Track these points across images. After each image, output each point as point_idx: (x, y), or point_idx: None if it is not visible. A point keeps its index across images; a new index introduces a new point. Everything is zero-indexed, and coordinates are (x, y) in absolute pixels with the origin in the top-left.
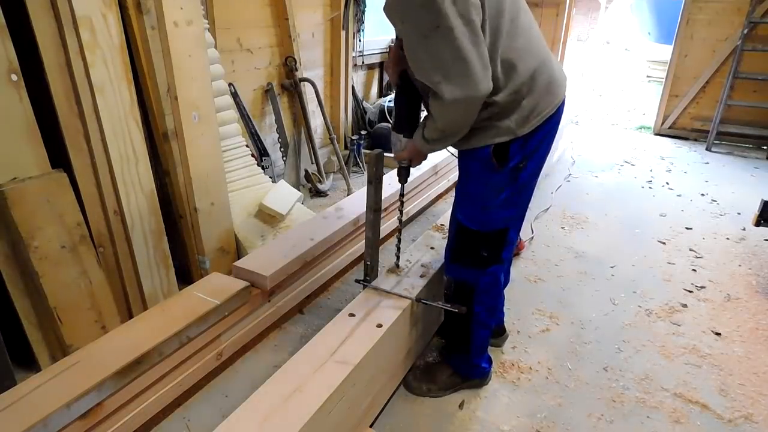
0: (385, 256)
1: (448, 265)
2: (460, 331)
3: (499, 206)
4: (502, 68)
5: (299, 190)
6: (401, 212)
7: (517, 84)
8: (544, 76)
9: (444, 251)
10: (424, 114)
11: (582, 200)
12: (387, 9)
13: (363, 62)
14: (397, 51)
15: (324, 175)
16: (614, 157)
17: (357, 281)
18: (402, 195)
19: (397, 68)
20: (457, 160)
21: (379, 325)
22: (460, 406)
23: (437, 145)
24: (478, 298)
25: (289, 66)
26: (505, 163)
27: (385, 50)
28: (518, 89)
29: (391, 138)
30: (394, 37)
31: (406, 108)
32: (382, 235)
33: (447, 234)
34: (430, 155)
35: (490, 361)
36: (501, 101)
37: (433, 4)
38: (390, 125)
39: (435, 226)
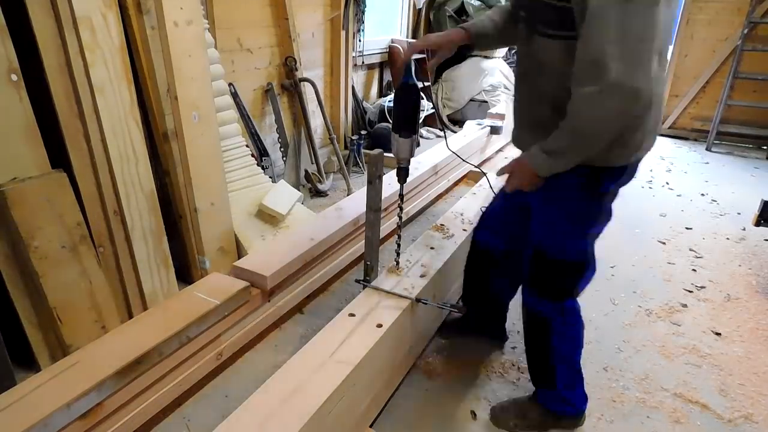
0: (385, 256)
1: (525, 294)
2: (542, 366)
3: (591, 235)
4: None
5: (299, 190)
6: (401, 212)
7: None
8: (659, 113)
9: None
10: (423, 114)
11: None
12: None
13: (363, 62)
14: (406, 51)
15: (324, 175)
16: None
17: (357, 281)
18: (401, 195)
19: (398, 68)
20: (457, 159)
21: (379, 325)
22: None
23: (559, 159)
24: (557, 330)
25: (289, 66)
26: (613, 189)
27: (385, 50)
28: (647, 111)
29: (391, 138)
30: (393, 36)
31: (406, 108)
32: (382, 235)
33: (447, 234)
34: (426, 155)
35: (585, 399)
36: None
37: None
38: (390, 125)
39: (435, 226)
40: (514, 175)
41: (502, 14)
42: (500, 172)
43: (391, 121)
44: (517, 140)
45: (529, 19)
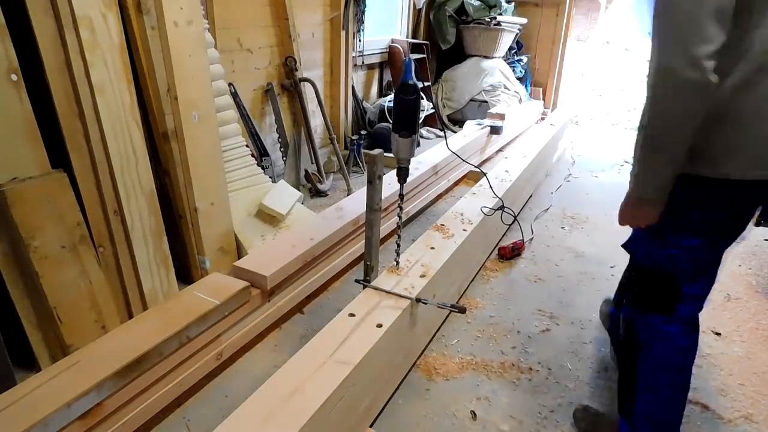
0: (385, 256)
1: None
2: (626, 389)
3: (673, 243)
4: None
5: (299, 190)
6: (401, 212)
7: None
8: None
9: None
10: (423, 114)
11: (582, 200)
12: None
13: (363, 62)
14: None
15: (324, 175)
16: (614, 157)
17: (357, 281)
18: (401, 195)
19: (398, 68)
20: (457, 159)
21: (379, 325)
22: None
23: (638, 171)
24: (643, 348)
25: (289, 66)
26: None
27: (385, 50)
28: (705, 101)
29: (391, 138)
30: (393, 36)
31: (406, 108)
32: (382, 235)
33: (447, 234)
34: (426, 155)
35: None
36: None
37: None
38: (390, 125)
39: (435, 226)
40: (621, 212)
41: None
42: (621, 220)
43: (391, 121)
44: None
45: None
